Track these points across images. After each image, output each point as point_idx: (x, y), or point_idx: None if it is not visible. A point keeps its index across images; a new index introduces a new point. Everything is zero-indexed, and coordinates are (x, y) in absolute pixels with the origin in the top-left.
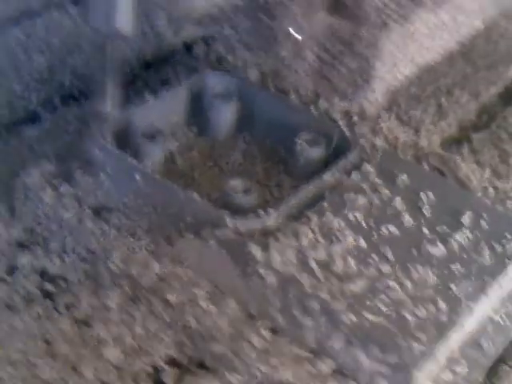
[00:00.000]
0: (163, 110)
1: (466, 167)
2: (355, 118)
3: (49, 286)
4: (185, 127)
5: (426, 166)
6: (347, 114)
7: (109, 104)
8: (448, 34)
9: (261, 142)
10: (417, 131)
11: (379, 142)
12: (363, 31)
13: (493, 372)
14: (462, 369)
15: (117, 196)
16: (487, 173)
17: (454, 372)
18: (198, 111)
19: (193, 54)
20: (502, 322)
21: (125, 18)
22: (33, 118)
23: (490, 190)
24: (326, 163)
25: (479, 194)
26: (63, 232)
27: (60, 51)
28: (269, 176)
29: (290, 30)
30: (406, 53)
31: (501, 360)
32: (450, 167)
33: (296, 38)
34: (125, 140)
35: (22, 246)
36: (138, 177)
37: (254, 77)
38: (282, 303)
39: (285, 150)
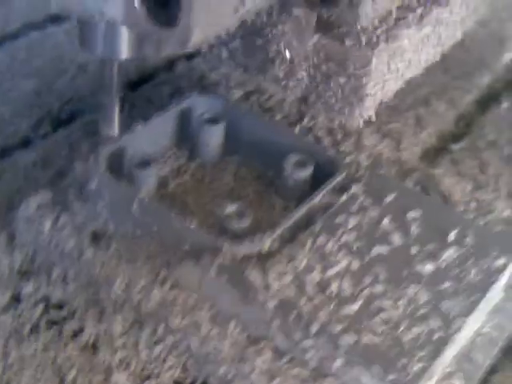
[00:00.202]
0: (153, 136)
1: (449, 181)
2: (339, 136)
3: (55, 313)
4: (175, 151)
5: (410, 182)
6: (331, 132)
7: (116, 127)
8: (431, 47)
9: (250, 165)
10: (398, 143)
11: (364, 159)
12: (355, 51)
13: (486, 382)
14: (457, 382)
15: (115, 224)
16: (469, 185)
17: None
18: (186, 135)
19: (175, 72)
20: (490, 334)
21: (126, 43)
22: (24, 144)
23: (473, 203)
24: (313, 184)
25: (462, 208)
26: (64, 261)
27: (44, 74)
28: (260, 198)
29: (282, 48)
30: (394, 69)
31: (492, 370)
32: (433, 182)
33: (288, 58)
34: (117, 167)
35: (25, 274)
36: (134, 206)
37: (237, 95)
38: (283, 326)
39: (274, 172)
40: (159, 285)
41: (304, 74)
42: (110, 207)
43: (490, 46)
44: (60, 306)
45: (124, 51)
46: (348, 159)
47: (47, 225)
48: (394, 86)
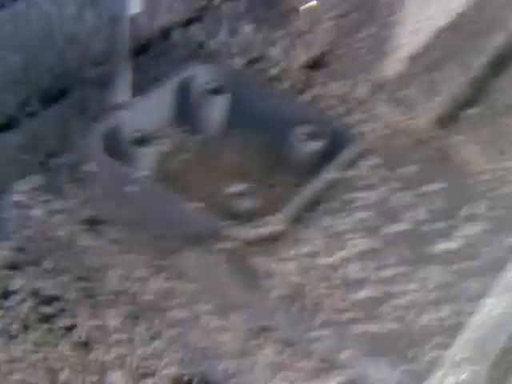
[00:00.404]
0: (151, 110)
1: (467, 150)
2: (351, 104)
3: (45, 309)
4: (175, 126)
5: (427, 152)
6: (342, 100)
7: (124, 92)
8: None
9: (255, 138)
10: (411, 111)
11: (378, 128)
12: None
13: (497, 367)
14: (470, 367)
15: (111, 208)
16: (488, 153)
17: (463, 372)
18: (186, 108)
19: (171, 42)
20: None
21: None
22: (11, 124)
23: (496, 172)
24: (325, 157)
25: (484, 178)
26: (56, 250)
27: (32, 47)
28: (268, 175)
29: None
30: (426, 17)
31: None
32: (452, 151)
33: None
34: (113, 145)
35: (13, 267)
36: (133, 187)
37: (240, 64)
38: (288, 315)
39: (281, 146)
40: (157, 274)
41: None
42: (107, 190)
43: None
44: (50, 301)
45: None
46: (361, 129)
47: (38, 211)
48: (424, 35)
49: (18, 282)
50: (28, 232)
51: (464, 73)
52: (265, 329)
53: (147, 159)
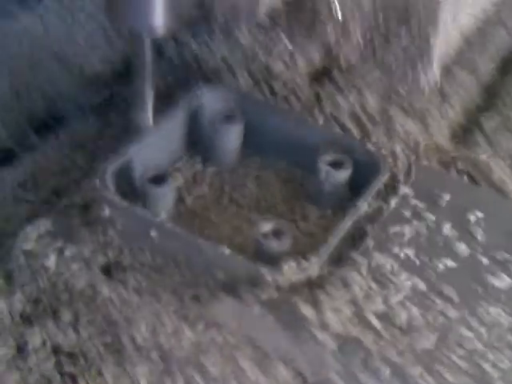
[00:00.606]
0: (162, 143)
1: (499, 168)
2: (365, 121)
3: (67, 366)
4: (187, 158)
5: (455, 173)
6: (356, 117)
7: (151, 114)
8: None
9: (274, 167)
10: (423, 123)
11: (400, 150)
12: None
13: None
14: None
15: (131, 254)
16: None
17: None
18: (198, 137)
19: (164, 57)
20: None
21: (161, 17)
22: (8, 158)
23: None
24: (352, 187)
25: None
26: (75, 301)
27: (21, 69)
28: (292, 207)
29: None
30: (457, 21)
31: None
32: (481, 170)
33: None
34: (126, 182)
35: (29, 321)
36: (153, 232)
37: (246, 84)
38: (344, 367)
39: (302, 174)
40: (191, 325)
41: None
42: (124, 234)
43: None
44: (73, 356)
45: (160, 27)
46: (382, 151)
47: (52, 259)
48: (456, 42)
49: (36, 337)
50: (43, 282)
51: (473, 80)
52: (318, 382)
53: (165, 199)
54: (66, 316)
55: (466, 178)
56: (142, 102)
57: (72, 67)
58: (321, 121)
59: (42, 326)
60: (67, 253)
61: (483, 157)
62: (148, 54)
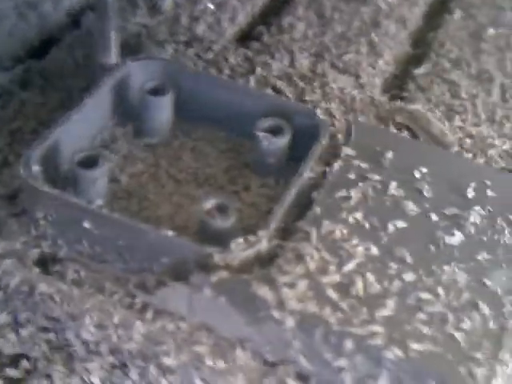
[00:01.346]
0: (89, 122)
1: (437, 120)
2: (298, 81)
3: (12, 372)
4: (116, 134)
5: (393, 128)
6: (289, 78)
7: (114, 53)
8: None
9: (209, 137)
10: (357, 77)
11: (336, 107)
12: None
13: None
14: None
15: (66, 244)
16: (451, 117)
17: None
18: (127, 112)
19: (82, 28)
20: None
21: None
22: None
23: (467, 140)
24: (293, 152)
25: (456, 149)
26: (11, 300)
27: None
28: (232, 178)
29: None
30: None
31: None
32: (420, 123)
33: None
34: (52, 169)
35: None
36: (88, 221)
37: (170, 51)
38: (304, 344)
39: (240, 142)
40: (139, 314)
41: None
42: (57, 224)
43: None
44: (16, 361)
45: None
46: (319, 109)
47: None
48: None
49: None
50: None
51: (400, 28)
52: (278, 362)
53: (98, 183)
54: (2, 317)
55: (405, 132)
56: (105, 40)
57: None
58: (252, 83)
59: None
60: None
61: (419, 108)
62: None
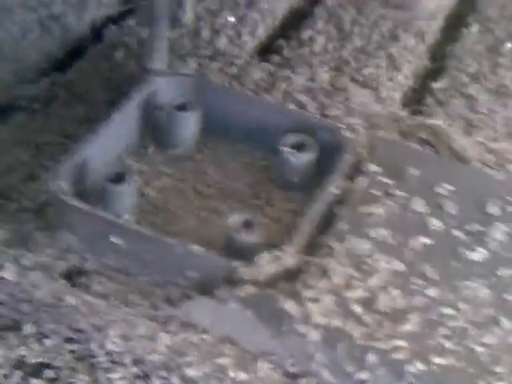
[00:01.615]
0: (117, 137)
1: (458, 136)
2: (321, 96)
3: (35, 381)
4: (142, 149)
5: (416, 143)
6: (312, 93)
7: (165, 59)
8: None
9: (234, 151)
10: (376, 91)
11: (359, 124)
12: None
13: None
14: None
15: (94, 258)
16: (473, 133)
17: None
18: (153, 127)
19: (104, 41)
20: None
21: None
22: None
23: (486, 154)
24: (318, 168)
25: (477, 164)
26: (37, 312)
27: None
28: (256, 192)
29: None
30: None
31: None
32: (441, 138)
33: None
34: (80, 183)
35: None
36: (117, 235)
37: (194, 66)
38: (330, 359)
39: (265, 157)
40: (163, 327)
41: None
42: (84, 237)
43: None
44: (40, 370)
45: None
46: (342, 125)
47: (10, 269)
48: None
49: None
50: (1, 295)
51: (419, 42)
52: (299, 374)
53: (126, 198)
54: (28, 327)
55: (427, 148)
56: (157, 44)
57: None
58: (276, 99)
59: (3, 340)
60: (25, 261)
61: (440, 123)
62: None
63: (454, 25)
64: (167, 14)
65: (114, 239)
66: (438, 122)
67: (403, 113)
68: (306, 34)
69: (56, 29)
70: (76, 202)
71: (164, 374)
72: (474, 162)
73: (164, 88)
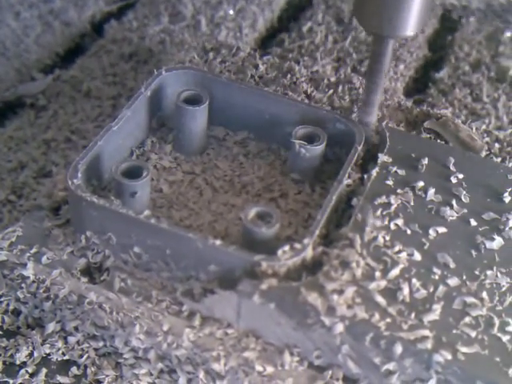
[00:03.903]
0: (129, 132)
1: (464, 125)
2: (326, 88)
3: (62, 379)
4: (153, 143)
5: (424, 133)
6: (317, 83)
7: (375, 112)
8: None
9: (244, 144)
10: None
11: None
12: None
13: None
14: None
15: (113, 253)
16: (485, 124)
17: None
18: (163, 121)
19: (104, 36)
20: None
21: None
22: None
23: (493, 143)
24: (329, 159)
25: (485, 153)
26: (60, 309)
27: None
28: (268, 186)
29: None
30: None
31: None
32: (449, 129)
33: None
34: (96, 180)
35: (11, 334)
36: (136, 231)
37: (199, 60)
38: (355, 350)
39: (275, 149)
40: (187, 321)
41: None
42: (103, 234)
43: None
44: (66, 367)
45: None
46: (349, 114)
47: (29, 267)
48: None
49: (22, 351)
50: (22, 293)
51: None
52: (326, 367)
53: (143, 192)
54: (51, 326)
55: (435, 137)
56: (371, 100)
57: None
58: (284, 90)
59: (26, 337)
60: (44, 259)
61: (447, 113)
62: (389, 55)
63: (449, 17)
64: (386, 69)
65: (133, 234)
66: (445, 111)
67: (408, 103)
68: (305, 25)
69: (57, 25)
70: (94, 198)
71: (190, 368)
72: (483, 151)
73: (171, 82)
